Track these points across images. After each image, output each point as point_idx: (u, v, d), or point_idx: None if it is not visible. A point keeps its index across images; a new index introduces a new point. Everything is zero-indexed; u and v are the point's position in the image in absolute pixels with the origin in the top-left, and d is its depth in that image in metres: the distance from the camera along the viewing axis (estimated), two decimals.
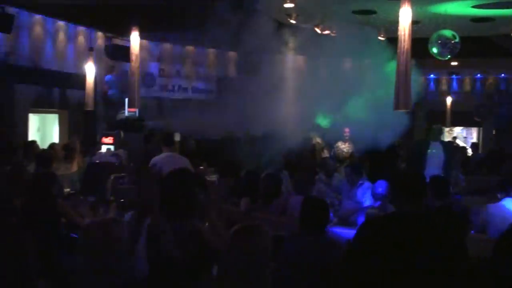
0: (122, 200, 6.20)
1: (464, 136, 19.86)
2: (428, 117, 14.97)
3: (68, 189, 7.29)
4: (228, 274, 2.58)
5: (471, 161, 12.36)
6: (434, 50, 7.98)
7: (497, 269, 1.66)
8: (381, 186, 5.90)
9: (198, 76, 15.13)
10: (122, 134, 10.83)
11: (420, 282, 2.89)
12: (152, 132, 10.29)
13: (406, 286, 2.93)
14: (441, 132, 8.91)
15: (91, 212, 6.30)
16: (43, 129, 12.61)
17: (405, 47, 4.17)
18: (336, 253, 3.48)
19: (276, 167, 7.84)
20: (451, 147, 9.75)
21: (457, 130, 19.23)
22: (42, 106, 11.94)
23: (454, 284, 2.87)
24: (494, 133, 16.84)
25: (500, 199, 5.29)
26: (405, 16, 4.22)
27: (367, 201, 6.32)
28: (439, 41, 7.80)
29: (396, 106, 4.36)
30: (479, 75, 15.85)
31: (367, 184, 6.62)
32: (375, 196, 5.97)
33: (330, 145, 11.09)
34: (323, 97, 10.09)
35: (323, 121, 11.03)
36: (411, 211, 3.06)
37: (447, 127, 16.80)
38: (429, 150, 7.81)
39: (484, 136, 17.26)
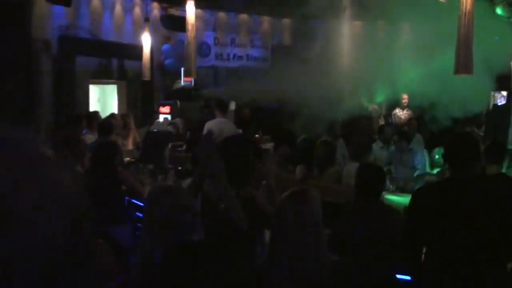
0: (179, 168, 6.34)
1: None
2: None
3: (128, 158, 7.51)
4: (280, 239, 2.61)
5: None
6: (499, 11, 7.60)
7: None
8: (439, 153, 5.76)
9: (252, 44, 15.07)
10: (178, 103, 10.99)
11: (476, 243, 2.86)
12: (208, 101, 10.38)
13: (462, 247, 2.91)
14: None
15: (150, 179, 6.49)
16: (103, 100, 12.97)
17: (467, 8, 4.00)
18: (392, 220, 3.46)
19: (332, 134, 7.79)
20: None
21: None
22: (101, 77, 12.25)
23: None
24: None
25: None
26: None
27: (422, 167, 6.21)
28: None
29: (457, 70, 4.21)
30: None
31: (420, 150, 6.48)
32: (433, 162, 5.85)
33: (388, 111, 10.91)
34: (381, 64, 9.86)
35: (380, 96, 10.81)
36: (465, 176, 3.01)
37: None
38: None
39: None
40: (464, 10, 4.01)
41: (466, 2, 3.99)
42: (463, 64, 4.10)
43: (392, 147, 7.69)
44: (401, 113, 10.56)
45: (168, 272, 2.29)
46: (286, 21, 15.24)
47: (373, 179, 3.60)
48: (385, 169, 6.75)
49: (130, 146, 8.74)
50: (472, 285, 2.92)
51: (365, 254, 3.42)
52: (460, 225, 2.94)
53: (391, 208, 3.66)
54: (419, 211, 3.14)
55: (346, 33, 10.94)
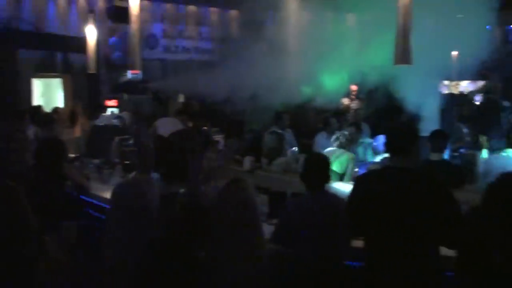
0: (126, 162, 6.25)
1: (470, 90, 19.65)
2: None
3: (73, 155, 7.35)
4: (219, 229, 2.63)
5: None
6: None
7: (483, 218, 1.68)
8: (380, 141, 5.91)
9: (201, 36, 14.98)
10: (125, 96, 10.83)
11: (407, 234, 2.95)
12: (155, 94, 10.29)
13: (393, 237, 2.99)
14: None
15: (96, 174, 6.38)
16: (47, 94, 12.62)
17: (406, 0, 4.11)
18: (337, 209, 3.52)
19: (280, 125, 7.86)
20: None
21: (464, 84, 19.03)
22: (45, 71, 11.92)
23: (438, 232, 2.91)
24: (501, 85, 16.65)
25: (501, 150, 5.31)
26: None
27: (369, 157, 6.35)
28: None
29: (396, 61, 4.32)
30: None
31: (368, 141, 6.64)
32: (375, 151, 6.00)
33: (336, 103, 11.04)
34: (329, 54, 9.98)
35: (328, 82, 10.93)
36: (400, 166, 3.09)
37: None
38: None
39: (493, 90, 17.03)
40: (403, 2, 4.12)
41: None
42: (402, 55, 4.21)
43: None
44: (348, 103, 10.73)
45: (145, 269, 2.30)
46: (234, 12, 15.20)
47: (318, 169, 3.66)
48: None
49: (77, 132, 8.59)
50: (398, 273, 3.00)
51: (311, 244, 3.48)
52: (388, 214, 3.03)
53: (336, 197, 3.73)
54: (356, 198, 3.25)
55: (294, 24, 11.01)
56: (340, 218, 3.43)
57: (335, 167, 5.43)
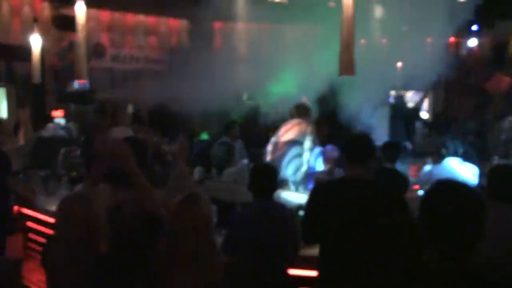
0: (73, 173, 6.14)
1: (415, 100, 20.25)
2: None
3: (16, 168, 7.15)
4: (174, 243, 2.62)
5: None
6: None
7: (420, 226, 1.76)
8: (329, 150, 6.04)
9: (150, 46, 14.87)
10: (72, 107, 10.62)
11: (363, 247, 2.99)
12: (103, 104, 10.11)
13: (351, 249, 3.04)
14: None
15: (42, 187, 6.23)
16: None
17: (349, 13, 4.22)
18: (285, 218, 3.57)
19: (230, 135, 7.88)
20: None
21: (409, 94, 19.59)
22: None
23: (393, 247, 2.97)
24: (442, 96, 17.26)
25: (443, 159, 5.49)
26: None
27: (318, 166, 6.45)
28: None
29: (340, 72, 4.44)
30: None
31: (318, 150, 6.74)
32: (324, 160, 6.11)
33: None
34: (278, 64, 10.10)
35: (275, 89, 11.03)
36: (355, 177, 3.14)
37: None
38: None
39: (436, 100, 17.63)
40: (346, 14, 4.23)
41: (348, 6, 4.22)
42: (346, 66, 4.33)
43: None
44: None
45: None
46: (183, 22, 15.17)
47: (265, 179, 3.69)
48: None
49: (21, 141, 8.36)
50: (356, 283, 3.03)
51: (259, 253, 3.50)
52: (346, 224, 3.06)
53: (284, 207, 3.77)
54: (313, 208, 3.29)
55: (243, 34, 11.10)
56: (288, 227, 3.47)
57: None
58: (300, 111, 6.74)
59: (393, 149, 5.70)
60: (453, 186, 1.78)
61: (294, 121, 6.64)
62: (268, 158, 6.71)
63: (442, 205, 1.71)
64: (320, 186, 3.63)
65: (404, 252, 2.83)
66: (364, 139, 3.34)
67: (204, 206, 2.69)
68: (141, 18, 14.67)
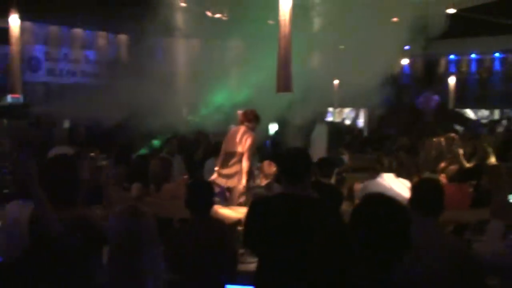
0: (4, 191, 5.92)
1: (352, 117, 20.87)
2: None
3: None
4: (114, 256, 2.60)
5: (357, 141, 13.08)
6: None
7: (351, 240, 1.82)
8: (267, 165, 6.13)
9: (87, 60, 14.60)
10: (5, 121, 10.25)
11: (298, 260, 3.03)
12: (37, 118, 9.84)
13: (287, 265, 3.08)
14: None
15: None
16: None
17: (286, 31, 4.33)
18: (222, 234, 3.58)
19: (169, 150, 7.83)
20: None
21: (346, 111, 20.15)
22: None
23: (327, 263, 3.03)
24: (378, 113, 17.85)
25: (378, 175, 5.66)
26: (285, 2, 4.38)
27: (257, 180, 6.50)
28: None
29: (278, 89, 4.52)
30: None
31: (257, 165, 6.80)
32: (262, 175, 6.18)
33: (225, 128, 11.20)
34: (216, 80, 10.16)
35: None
36: (292, 193, 3.17)
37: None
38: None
39: (370, 117, 18.18)
40: (283, 34, 4.34)
41: (285, 26, 4.33)
42: (284, 84, 4.42)
43: None
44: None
45: None
46: (122, 36, 15.00)
47: (202, 195, 3.69)
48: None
49: None
50: None
51: (198, 270, 3.49)
52: (282, 240, 3.09)
53: (221, 222, 3.78)
54: (251, 224, 3.31)
55: (182, 50, 11.11)
56: (225, 243, 3.48)
57: None
58: (247, 118, 6.72)
59: (328, 164, 5.84)
60: (380, 200, 1.86)
61: (241, 129, 6.68)
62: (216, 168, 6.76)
63: (370, 218, 1.79)
64: (258, 202, 3.63)
65: (338, 264, 2.90)
66: (301, 156, 3.33)
67: (146, 218, 2.68)
68: (78, 31, 14.41)
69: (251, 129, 6.56)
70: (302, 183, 3.19)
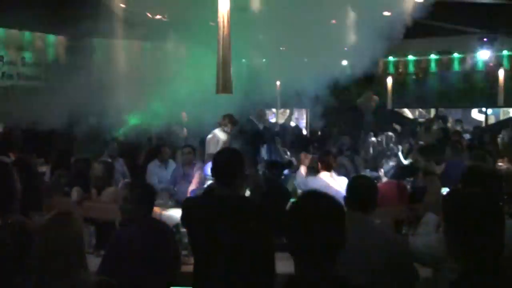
0: None
1: (295, 117, 21.14)
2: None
3: None
4: (42, 264, 2.55)
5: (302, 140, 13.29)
6: None
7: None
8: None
9: (24, 62, 14.11)
10: None
11: (226, 260, 3.04)
12: None
13: (218, 263, 3.09)
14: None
15: None
16: None
17: (225, 33, 4.35)
18: (165, 236, 3.57)
19: (110, 154, 7.72)
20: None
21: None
22: None
23: (256, 263, 3.05)
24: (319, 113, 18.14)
25: (318, 173, 5.80)
26: (224, 3, 4.40)
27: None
28: None
29: (218, 90, 4.53)
30: None
31: (200, 165, 6.81)
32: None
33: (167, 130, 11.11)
34: (157, 82, 10.07)
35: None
36: (225, 193, 3.18)
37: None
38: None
39: (312, 117, 18.42)
40: (222, 34, 4.36)
41: (224, 27, 4.35)
42: (223, 85, 4.44)
43: (172, 163, 7.84)
44: (179, 131, 10.88)
45: None
46: (60, 38, 14.59)
47: (142, 198, 3.66)
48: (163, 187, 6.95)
49: None
50: None
51: (138, 273, 3.45)
52: (212, 240, 3.09)
53: (163, 224, 3.76)
54: (184, 222, 3.33)
55: (122, 51, 10.95)
56: (167, 245, 3.47)
57: None
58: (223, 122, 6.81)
59: (275, 167, 6.01)
60: (315, 197, 1.90)
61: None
62: None
63: (304, 215, 1.82)
64: (189, 202, 3.59)
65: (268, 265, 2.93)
66: (233, 156, 3.29)
67: (74, 225, 2.65)
68: (15, 32, 13.91)
69: (227, 133, 6.73)
70: (233, 184, 3.18)
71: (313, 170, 6.01)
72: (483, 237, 1.95)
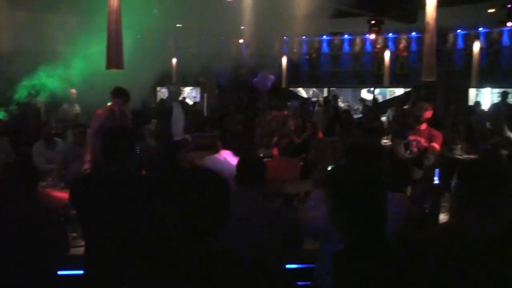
0: None
1: (193, 96, 21.02)
2: None
3: None
4: None
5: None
6: None
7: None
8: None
9: None
10: None
11: (118, 241, 2.99)
12: None
13: (108, 244, 3.05)
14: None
15: None
16: None
17: (115, 5, 4.18)
18: (44, 216, 3.41)
19: None
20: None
21: (187, 90, 20.22)
22: None
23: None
24: (217, 92, 18.19)
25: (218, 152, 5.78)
26: None
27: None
28: None
29: (108, 66, 4.36)
30: None
31: None
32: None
33: (56, 108, 10.58)
34: (45, 56, 9.57)
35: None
36: (112, 170, 3.13)
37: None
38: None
39: (209, 96, 18.44)
40: (112, 8, 4.18)
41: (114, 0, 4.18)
42: (114, 60, 4.27)
43: (60, 144, 7.50)
44: (70, 109, 10.42)
45: None
46: None
47: (22, 176, 3.46)
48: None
49: None
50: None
51: (20, 257, 3.28)
52: (100, 222, 3.06)
53: (43, 205, 3.55)
54: (72, 202, 3.22)
55: (8, 23, 10.23)
56: (50, 226, 3.33)
57: None
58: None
59: (173, 147, 5.85)
60: (199, 174, 1.90)
61: None
62: None
63: (186, 189, 1.82)
64: (77, 182, 3.47)
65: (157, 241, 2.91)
66: (121, 135, 3.24)
67: None
68: None
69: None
70: (122, 161, 3.14)
71: (214, 149, 5.98)
72: (362, 210, 2.05)
